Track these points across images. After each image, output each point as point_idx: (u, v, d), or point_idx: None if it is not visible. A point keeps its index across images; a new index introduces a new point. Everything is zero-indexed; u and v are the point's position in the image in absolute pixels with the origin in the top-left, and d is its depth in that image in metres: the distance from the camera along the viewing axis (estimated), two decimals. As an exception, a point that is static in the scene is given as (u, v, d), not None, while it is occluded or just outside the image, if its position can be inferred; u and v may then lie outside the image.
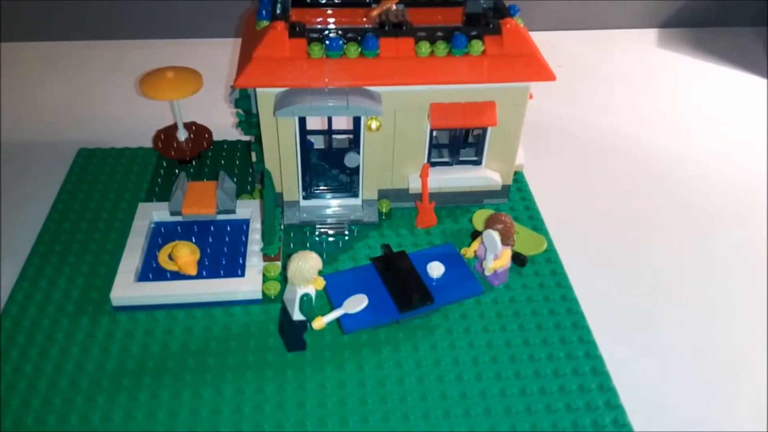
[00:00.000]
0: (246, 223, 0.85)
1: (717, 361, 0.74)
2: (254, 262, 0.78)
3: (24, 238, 0.85)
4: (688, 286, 0.84)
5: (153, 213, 0.85)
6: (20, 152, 1.02)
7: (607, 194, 0.98)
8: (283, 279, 0.77)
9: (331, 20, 0.88)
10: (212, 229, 0.84)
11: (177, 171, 0.95)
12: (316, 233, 0.86)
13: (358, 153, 0.83)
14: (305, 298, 0.68)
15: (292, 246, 0.84)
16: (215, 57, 1.27)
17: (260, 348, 0.71)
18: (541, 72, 0.78)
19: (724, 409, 0.70)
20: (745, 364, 0.74)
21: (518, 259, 0.81)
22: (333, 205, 0.88)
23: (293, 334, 0.70)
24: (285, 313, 0.71)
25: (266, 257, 0.79)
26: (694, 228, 0.93)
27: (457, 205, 0.91)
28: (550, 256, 0.84)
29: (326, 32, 0.77)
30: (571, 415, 0.66)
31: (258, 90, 0.77)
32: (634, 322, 0.79)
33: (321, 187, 0.88)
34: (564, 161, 1.05)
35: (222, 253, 0.81)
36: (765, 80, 1.29)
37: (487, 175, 0.88)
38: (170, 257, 0.78)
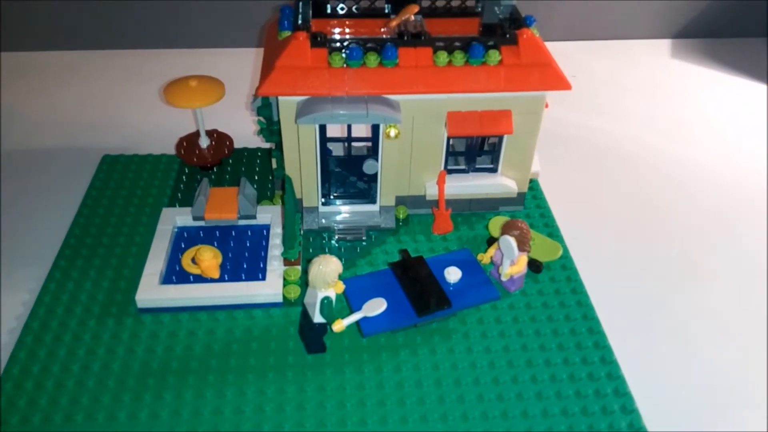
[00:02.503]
0: (266, 228, 0.87)
1: (734, 366, 0.75)
2: (275, 266, 0.80)
3: (51, 242, 0.87)
4: (703, 292, 0.84)
5: (176, 218, 0.87)
6: (47, 158, 1.05)
7: (621, 202, 0.99)
8: (303, 283, 0.79)
9: (351, 30, 0.90)
10: (234, 233, 0.86)
11: (199, 177, 0.98)
12: (335, 238, 0.87)
13: (377, 160, 0.85)
14: (326, 301, 0.69)
15: (311, 251, 0.85)
16: (237, 66, 1.30)
17: (281, 350, 0.73)
18: (557, 81, 0.80)
19: (742, 413, 0.70)
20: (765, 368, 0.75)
21: (534, 266, 0.83)
22: (351, 211, 0.89)
23: (313, 337, 0.72)
24: (305, 316, 0.72)
25: (287, 261, 0.81)
26: (708, 235, 0.93)
27: (473, 212, 0.92)
28: (566, 262, 0.85)
29: (347, 42, 0.79)
30: (587, 419, 0.67)
31: (280, 98, 0.79)
32: (650, 327, 0.79)
33: (340, 194, 0.89)
34: (579, 169, 1.06)
35: (243, 257, 0.83)
36: (778, 90, 1.29)
37: (502, 183, 0.90)
38: (193, 261, 0.80)
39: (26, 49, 1.35)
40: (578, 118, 1.19)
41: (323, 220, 0.89)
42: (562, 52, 1.32)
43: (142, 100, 1.21)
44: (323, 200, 0.89)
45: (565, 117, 1.17)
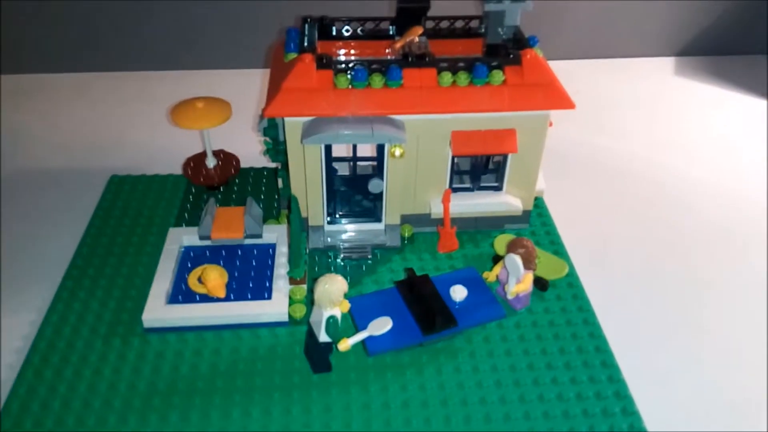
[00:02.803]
0: (272, 247, 0.87)
1: (746, 388, 0.74)
2: (281, 285, 0.80)
3: (58, 262, 0.88)
4: (711, 308, 0.84)
5: (183, 237, 0.87)
6: (56, 179, 1.06)
7: (626, 219, 1.00)
8: (309, 302, 0.79)
9: (356, 52, 0.92)
10: (240, 253, 0.87)
11: (206, 197, 0.98)
12: (340, 257, 0.88)
13: (382, 179, 0.85)
14: (331, 320, 0.69)
15: (317, 269, 0.85)
16: (244, 87, 1.32)
17: (287, 369, 0.73)
18: (561, 100, 0.80)
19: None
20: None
21: (540, 284, 0.82)
22: (357, 229, 0.90)
23: (319, 356, 0.72)
24: (311, 335, 0.72)
25: (292, 280, 0.81)
26: (714, 251, 0.93)
27: (478, 230, 0.92)
28: (572, 280, 0.85)
29: (352, 64, 0.80)
30: (595, 439, 0.66)
31: (286, 119, 0.80)
32: (657, 346, 0.79)
33: (345, 213, 0.90)
34: (584, 186, 1.07)
35: (249, 276, 0.83)
36: (783, 107, 1.30)
37: (507, 201, 0.90)
38: (200, 280, 0.80)
39: (35, 72, 1.37)
40: (583, 135, 1.19)
41: (329, 239, 0.89)
42: (566, 71, 1.33)
43: (149, 120, 1.22)
44: (329, 219, 0.89)
45: (569, 135, 1.18)
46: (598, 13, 1.41)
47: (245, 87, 1.32)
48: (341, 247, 0.88)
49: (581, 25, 1.42)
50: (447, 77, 0.79)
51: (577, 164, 1.12)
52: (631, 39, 1.46)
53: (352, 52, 0.92)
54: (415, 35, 0.88)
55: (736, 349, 0.79)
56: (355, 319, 0.76)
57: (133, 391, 0.70)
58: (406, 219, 0.91)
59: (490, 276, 0.82)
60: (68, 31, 1.34)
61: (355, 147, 0.85)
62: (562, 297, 0.82)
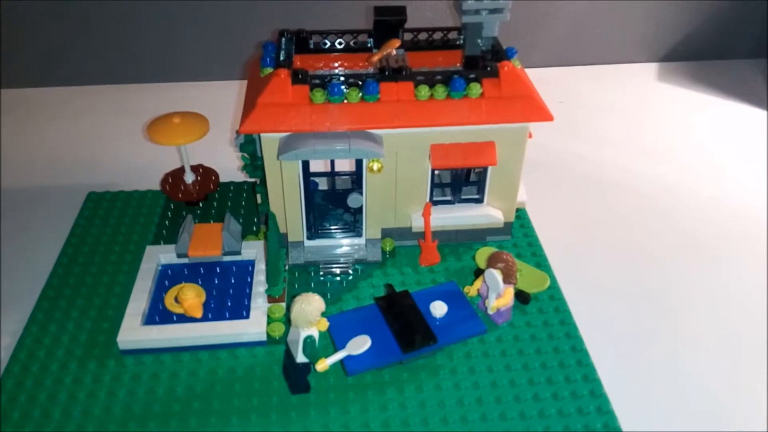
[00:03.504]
0: (251, 264, 0.86)
1: (730, 396, 0.74)
2: (259, 304, 0.79)
3: (33, 282, 0.86)
4: (695, 320, 0.83)
5: (160, 256, 0.86)
6: (30, 196, 1.04)
7: (610, 229, 0.99)
8: (288, 320, 0.78)
9: (335, 65, 0.91)
10: (218, 270, 0.85)
11: (184, 213, 0.97)
12: (321, 273, 0.87)
13: (361, 194, 0.85)
14: (308, 340, 0.68)
15: (296, 286, 0.84)
16: (221, 99, 1.30)
17: (265, 390, 0.72)
18: (539, 112, 0.80)
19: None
20: (753, 392, 0.74)
21: (521, 297, 0.82)
22: (337, 244, 0.89)
23: (297, 377, 0.71)
24: (289, 355, 0.71)
25: (271, 298, 0.80)
26: (696, 261, 0.93)
27: (460, 242, 0.92)
28: (554, 293, 0.84)
29: (328, 78, 0.79)
30: (577, 456, 0.66)
31: (262, 135, 0.79)
32: (641, 360, 0.78)
33: (325, 228, 0.89)
34: (566, 197, 1.06)
35: (228, 294, 0.82)
36: (765, 112, 1.29)
37: (489, 213, 0.89)
38: (176, 300, 0.79)
39: (8, 87, 1.35)
40: (565, 144, 1.19)
41: (309, 255, 0.88)
42: (548, 78, 1.34)
43: (126, 135, 1.21)
44: (308, 234, 0.88)
45: (551, 144, 1.18)
46: (579, 18, 1.41)
47: (224, 99, 1.31)
48: (321, 262, 0.87)
49: (562, 32, 1.42)
50: (424, 90, 0.79)
51: (559, 174, 1.11)
52: (613, 45, 1.46)
53: (332, 64, 0.91)
54: (392, 48, 0.87)
55: (723, 361, 0.78)
56: (334, 338, 0.75)
57: (108, 416, 0.69)
58: (387, 233, 0.90)
59: (471, 290, 0.81)
60: (42, 45, 1.32)
61: (333, 162, 0.84)
62: (544, 310, 0.82)
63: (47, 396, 0.71)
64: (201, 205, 0.99)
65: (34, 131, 1.22)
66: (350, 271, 0.87)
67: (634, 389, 0.74)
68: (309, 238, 0.88)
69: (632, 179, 1.10)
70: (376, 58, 0.86)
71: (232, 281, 0.84)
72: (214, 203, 1.00)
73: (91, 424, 0.68)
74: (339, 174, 0.86)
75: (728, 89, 1.38)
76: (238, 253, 0.86)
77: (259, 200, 0.89)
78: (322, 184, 0.90)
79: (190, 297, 0.77)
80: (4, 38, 1.30)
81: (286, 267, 0.86)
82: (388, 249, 0.90)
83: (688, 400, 0.74)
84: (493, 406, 0.70)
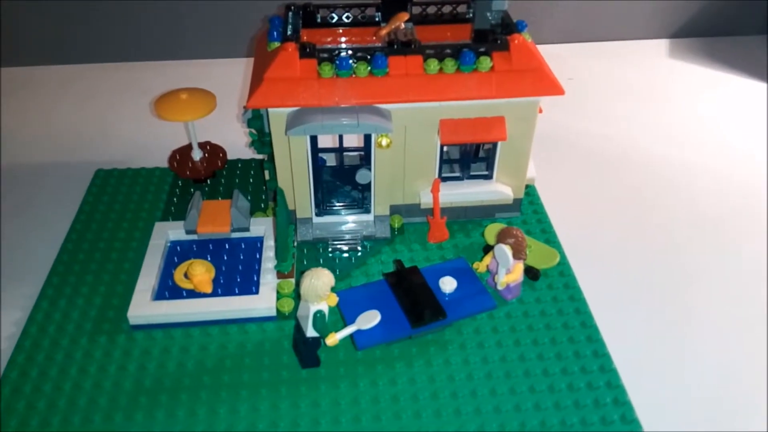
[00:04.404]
0: (260, 240, 0.86)
1: (735, 371, 0.74)
2: (268, 280, 0.79)
3: (43, 259, 0.86)
4: (704, 296, 0.83)
5: (169, 232, 0.86)
6: (39, 174, 1.04)
7: (619, 205, 0.98)
8: (297, 296, 0.78)
9: (342, 39, 0.90)
10: (227, 247, 0.85)
11: (192, 190, 0.97)
12: (329, 249, 0.86)
13: (370, 170, 0.84)
14: (318, 315, 0.68)
15: (305, 263, 0.84)
16: (228, 77, 1.30)
17: (275, 365, 0.72)
18: (550, 86, 0.79)
19: (743, 417, 0.69)
20: (758, 366, 0.73)
21: (531, 273, 0.81)
22: (345, 221, 0.88)
23: (307, 351, 0.71)
24: (299, 330, 0.71)
25: (280, 274, 0.80)
26: (707, 237, 0.92)
27: (468, 219, 0.91)
28: (564, 269, 0.84)
29: (336, 52, 0.78)
30: (587, 430, 0.66)
31: (270, 110, 0.78)
32: (650, 335, 0.78)
33: (333, 204, 0.88)
34: (576, 173, 1.05)
35: (237, 270, 0.82)
36: (778, 88, 1.28)
37: (498, 189, 0.89)
38: (186, 276, 0.79)
39: (15, 65, 1.35)
40: (575, 121, 1.18)
41: (317, 231, 0.88)
42: (558, 55, 1.32)
43: (134, 112, 1.20)
44: (317, 211, 0.88)
45: (561, 120, 1.16)
46: (590, -5, 1.39)
47: (231, 77, 1.30)
48: (330, 239, 0.87)
49: (572, 8, 1.40)
50: (433, 64, 0.78)
51: (569, 151, 1.10)
52: (623, 21, 1.44)
53: (339, 39, 0.90)
54: (400, 21, 0.86)
55: (729, 336, 0.78)
56: (344, 313, 0.75)
57: (119, 390, 0.69)
58: (395, 209, 0.90)
59: (481, 266, 0.80)
60: (49, 23, 1.31)
61: (341, 137, 0.84)
62: (554, 286, 0.81)
63: (58, 370, 0.71)
64: (208, 182, 0.99)
65: (42, 109, 1.22)
66: (359, 248, 0.87)
67: (645, 365, 0.74)
68: (317, 214, 0.88)
69: (641, 155, 1.09)
70: (384, 32, 0.85)
71: (241, 258, 0.84)
72: (222, 180, 1.00)
73: (102, 398, 0.69)
74: (347, 150, 0.86)
75: (740, 65, 1.36)
76: (247, 229, 0.86)
77: (267, 177, 0.89)
78: (330, 161, 0.90)
79: (200, 272, 0.77)
80: (11, 16, 1.29)
81: (295, 243, 0.86)
82: (396, 226, 0.89)
83: (697, 371, 0.73)
84: (502, 381, 0.70)
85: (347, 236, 0.87)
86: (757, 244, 0.91)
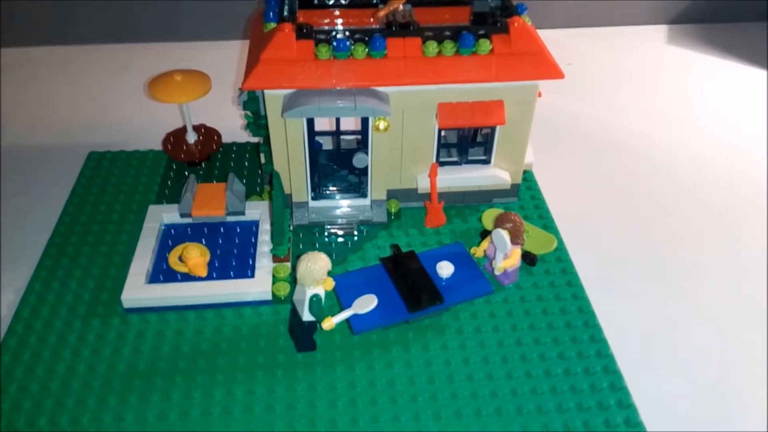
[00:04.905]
0: (255, 224, 0.85)
1: (733, 361, 0.74)
2: (264, 264, 0.78)
3: (36, 241, 0.85)
4: (700, 284, 0.83)
5: (163, 215, 0.85)
6: (31, 156, 1.03)
7: (617, 192, 0.98)
8: (293, 280, 0.77)
9: (339, 21, 0.89)
10: (222, 230, 0.85)
11: (186, 173, 0.96)
12: (326, 234, 0.86)
13: (367, 153, 0.83)
14: (315, 299, 0.68)
15: (301, 247, 0.84)
16: (223, 59, 1.28)
17: (270, 349, 0.71)
18: (550, 70, 0.78)
19: (741, 410, 0.69)
20: (760, 363, 0.74)
21: (528, 258, 0.81)
22: (342, 205, 0.88)
23: (303, 335, 0.70)
24: (295, 314, 0.71)
25: (276, 258, 0.79)
26: (705, 225, 0.92)
27: (466, 204, 0.91)
28: (561, 254, 0.83)
29: (333, 33, 0.77)
30: (583, 415, 0.66)
31: (266, 92, 0.77)
32: (646, 321, 0.78)
33: (330, 188, 0.88)
34: (574, 159, 1.05)
35: (232, 254, 0.81)
36: (777, 75, 1.27)
37: (496, 174, 0.88)
38: (180, 259, 0.79)
39: (9, 45, 1.33)
40: (573, 107, 1.17)
41: (314, 215, 0.87)
42: (557, 40, 1.31)
43: (128, 94, 1.19)
44: (313, 195, 0.87)
45: (560, 106, 1.16)
46: (590, -20, 1.38)
47: (226, 59, 1.28)
48: (326, 223, 0.86)
49: (572, -7, 1.39)
50: (432, 47, 0.77)
51: (567, 137, 1.10)
52: (623, 6, 1.43)
53: (336, 21, 0.89)
54: (399, 3, 0.84)
55: (728, 325, 0.78)
56: (340, 297, 0.74)
57: (112, 373, 0.69)
58: (392, 194, 0.89)
59: (478, 251, 0.80)
60: (44, 4, 1.29)
61: (338, 120, 0.83)
62: (551, 272, 0.81)
63: (51, 353, 0.71)
64: (203, 165, 0.98)
65: (35, 90, 1.20)
66: (355, 233, 0.86)
67: (641, 350, 0.74)
68: (314, 198, 0.87)
69: (640, 141, 1.09)
70: (382, 14, 0.84)
71: (236, 241, 0.83)
72: (217, 164, 0.99)
73: (96, 381, 0.68)
74: (344, 133, 0.85)
75: (739, 52, 1.35)
76: (242, 213, 0.85)
77: (263, 160, 0.88)
78: (327, 144, 0.89)
79: (195, 256, 0.76)
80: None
81: (291, 227, 0.85)
82: (393, 210, 0.89)
83: (691, 356, 0.73)
84: (499, 366, 0.70)
85: (344, 220, 0.87)
86: (757, 231, 0.91)
